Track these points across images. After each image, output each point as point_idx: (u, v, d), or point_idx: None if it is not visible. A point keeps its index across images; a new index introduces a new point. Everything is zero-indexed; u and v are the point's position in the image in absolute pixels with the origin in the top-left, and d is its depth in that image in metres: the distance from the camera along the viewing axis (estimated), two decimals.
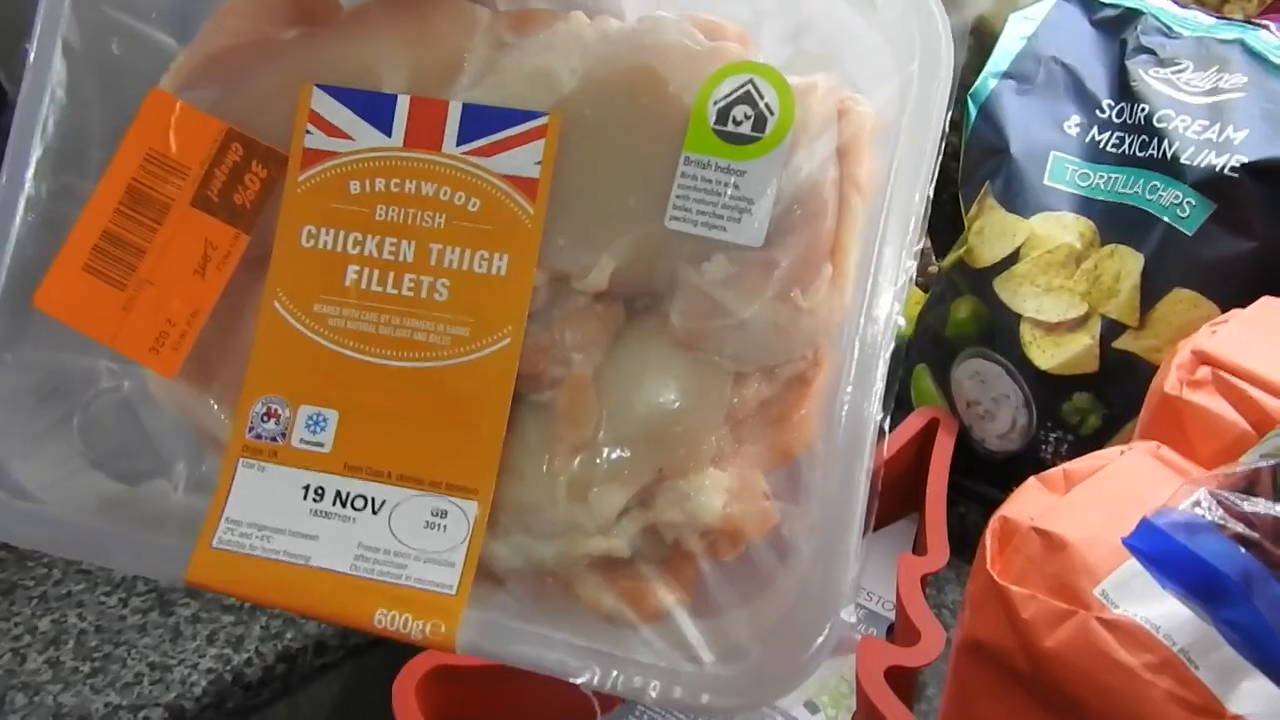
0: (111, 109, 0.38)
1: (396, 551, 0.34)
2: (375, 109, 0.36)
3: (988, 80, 0.58)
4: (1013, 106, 0.57)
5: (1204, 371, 0.43)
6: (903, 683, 0.48)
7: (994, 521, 0.37)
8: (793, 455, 0.35)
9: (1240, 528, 0.29)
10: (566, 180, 0.34)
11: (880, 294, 0.32)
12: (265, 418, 0.35)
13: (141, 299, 0.36)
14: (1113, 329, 0.54)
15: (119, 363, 0.41)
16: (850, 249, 0.33)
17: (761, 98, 0.33)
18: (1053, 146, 0.56)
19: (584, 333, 0.35)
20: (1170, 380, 0.43)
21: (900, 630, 0.53)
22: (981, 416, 0.58)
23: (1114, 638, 0.33)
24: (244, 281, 0.37)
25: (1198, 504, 0.30)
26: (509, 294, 0.34)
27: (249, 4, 0.39)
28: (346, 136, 0.36)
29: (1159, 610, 0.33)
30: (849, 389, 0.32)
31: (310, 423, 0.35)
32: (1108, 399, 0.55)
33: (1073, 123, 0.56)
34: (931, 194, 0.33)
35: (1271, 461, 0.31)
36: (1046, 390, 0.56)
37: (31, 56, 0.37)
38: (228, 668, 0.45)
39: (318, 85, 0.36)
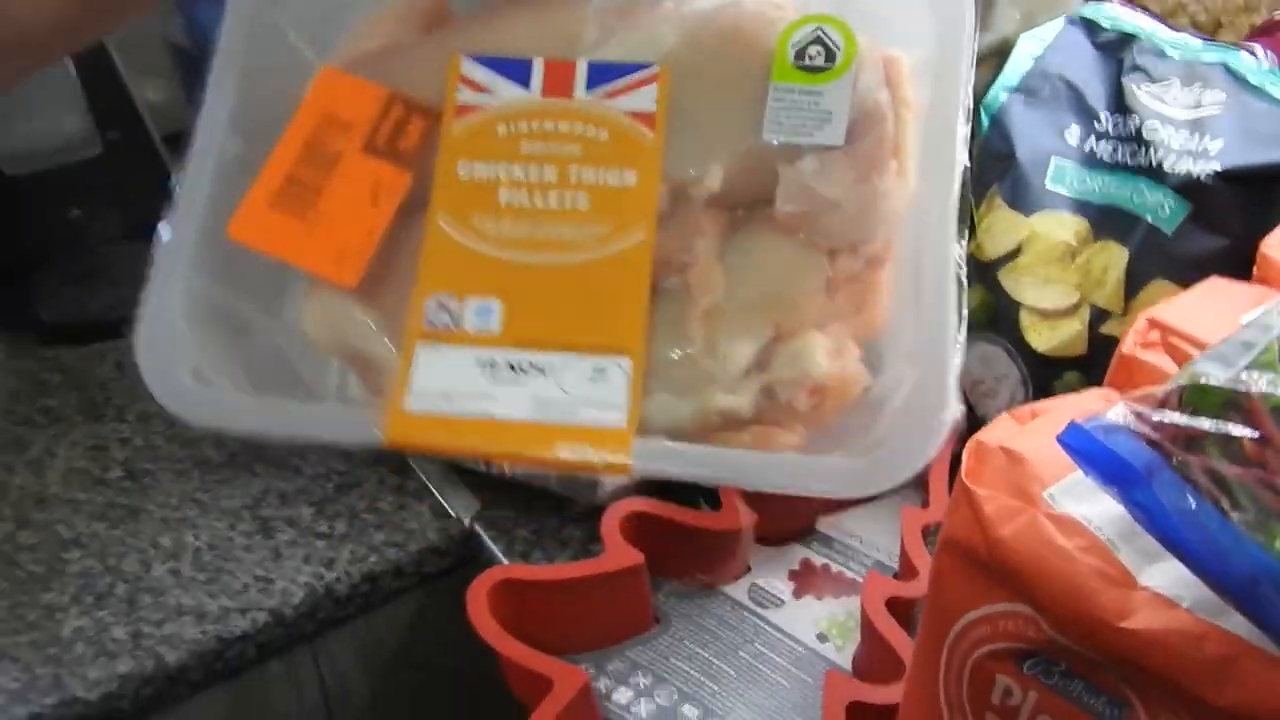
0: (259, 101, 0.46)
1: (568, 401, 0.40)
2: (515, 69, 0.44)
3: (999, 93, 0.66)
4: (1020, 117, 0.65)
5: (1155, 334, 0.51)
6: (902, 612, 0.55)
7: (970, 443, 0.44)
8: (874, 329, 0.44)
9: (1146, 430, 0.36)
10: (679, 112, 0.43)
11: (939, 177, 0.41)
12: (438, 310, 0.42)
13: (321, 227, 0.43)
14: (1100, 315, 0.62)
15: (272, 316, 0.47)
16: (908, 149, 0.43)
17: (829, 38, 0.43)
18: (1054, 153, 0.64)
19: (703, 226, 0.43)
20: (1128, 343, 0.51)
21: (902, 570, 0.60)
22: (985, 394, 0.66)
23: (1055, 527, 0.40)
24: (408, 216, 0.44)
25: (1117, 414, 0.38)
26: (639, 200, 0.42)
27: (382, 16, 0.48)
28: (491, 92, 0.44)
29: (1092, 509, 0.40)
30: (927, 245, 0.41)
31: (478, 312, 0.42)
32: (1094, 377, 0.62)
33: (1073, 133, 0.64)
34: (969, 115, 0.42)
35: (1179, 385, 0.37)
36: (1042, 369, 0.64)
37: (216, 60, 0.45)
38: (320, 583, 0.53)
39: (465, 55, 0.45)
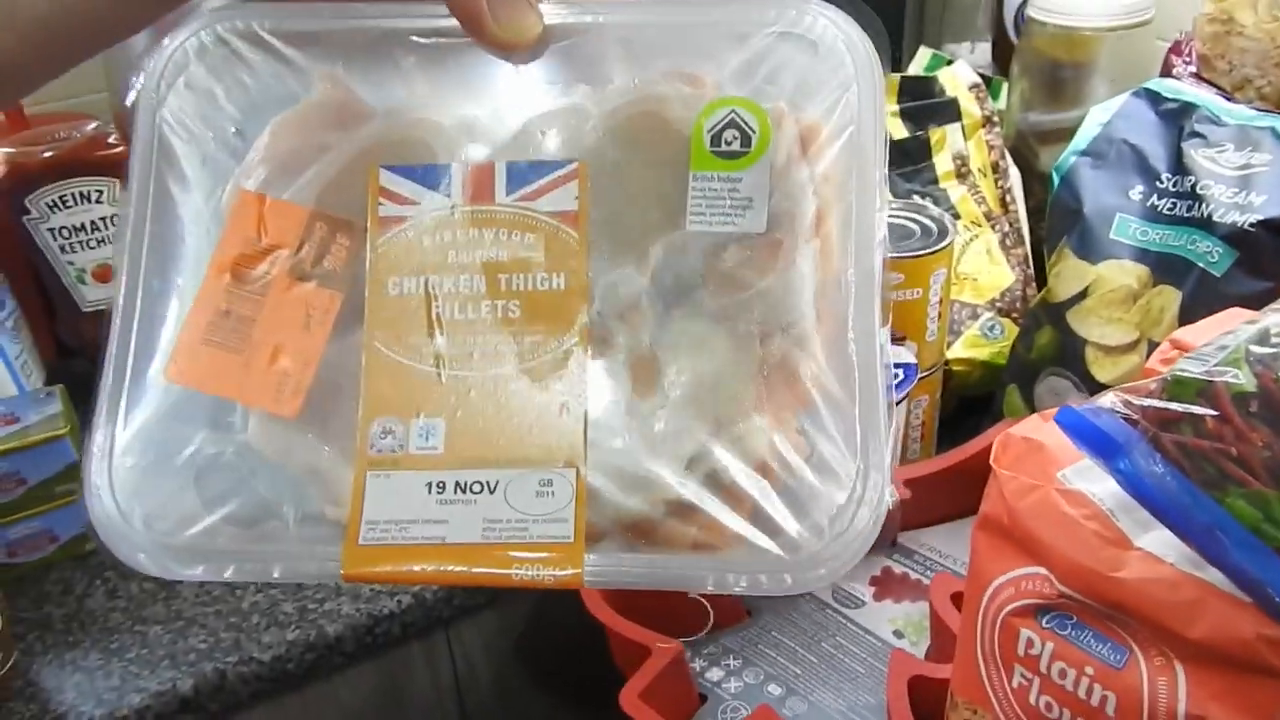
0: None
1: (517, 519, 0.41)
2: (434, 178, 0.45)
3: (1069, 157, 0.75)
4: (1088, 178, 0.73)
5: (1174, 352, 0.57)
6: None
7: (1001, 436, 0.51)
8: (805, 401, 0.45)
9: (1129, 412, 0.44)
10: (600, 208, 0.44)
11: (861, 253, 0.42)
12: (383, 435, 0.42)
13: (258, 359, 0.43)
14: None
15: (218, 431, 0.47)
16: (830, 224, 0.43)
17: (744, 121, 0.43)
18: (1119, 209, 0.72)
19: (635, 323, 0.43)
20: (1152, 359, 0.57)
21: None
22: None
23: (1064, 500, 0.48)
24: (343, 335, 0.44)
25: (1106, 400, 0.45)
26: (570, 303, 0.43)
27: (299, 117, 0.47)
28: (413, 202, 0.44)
29: (1097, 486, 0.48)
30: (852, 322, 0.42)
31: (421, 433, 0.42)
32: None
33: (1136, 191, 0.72)
34: (885, 177, 0.43)
35: (1162, 379, 0.45)
36: None
37: (134, 180, 0.44)
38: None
39: (383, 166, 0.45)
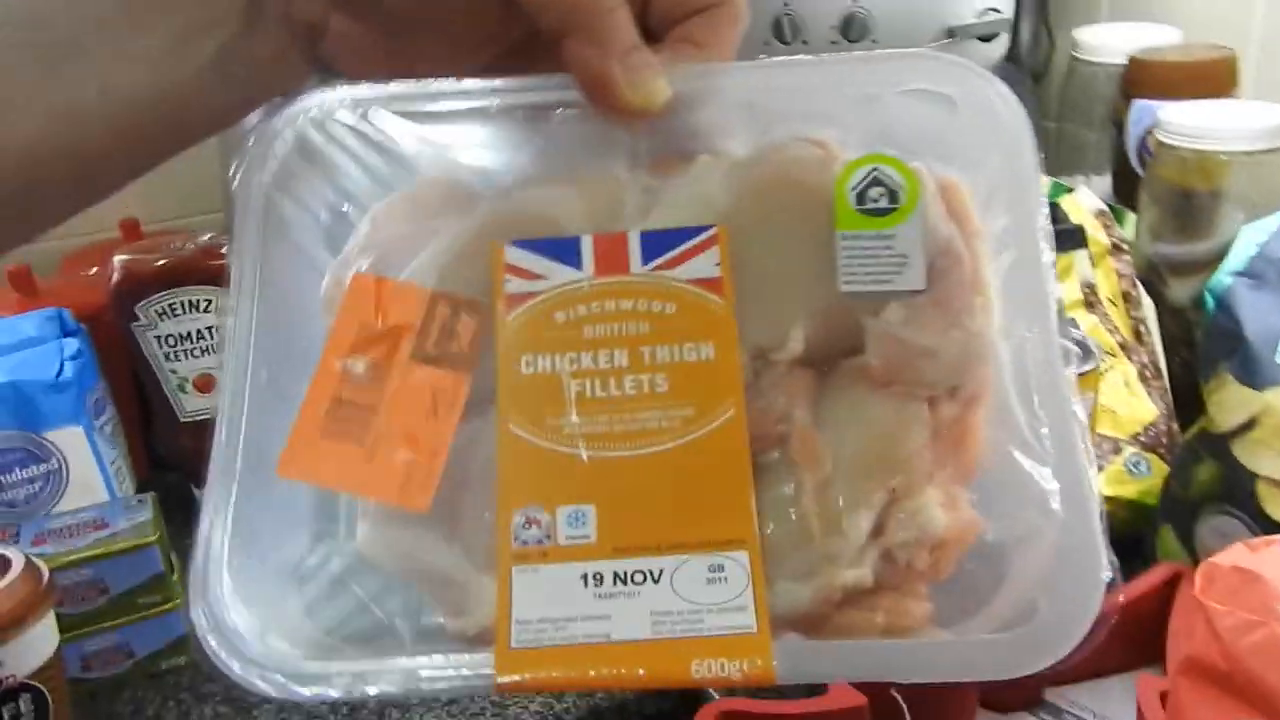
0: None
1: (689, 610, 0.37)
2: (563, 250, 0.42)
3: (1224, 279, 0.70)
4: (1246, 299, 0.67)
5: None
6: None
7: (1203, 566, 0.46)
8: (974, 470, 0.41)
9: None
10: (745, 274, 0.41)
11: (1036, 309, 0.40)
12: (526, 525, 0.38)
13: (381, 450, 0.40)
14: None
15: (321, 541, 0.43)
16: (987, 282, 0.41)
17: (888, 178, 0.41)
18: None
19: (794, 393, 0.40)
20: None
21: None
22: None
23: None
24: (471, 422, 0.41)
25: None
26: (722, 373, 0.40)
27: (403, 202, 0.45)
28: (542, 277, 0.42)
29: None
30: (1034, 381, 0.39)
31: (571, 520, 0.38)
32: None
33: None
34: (1049, 231, 0.41)
35: None
36: None
37: (241, 260, 0.41)
38: (550, 712, 0.53)
39: (509, 242, 0.42)
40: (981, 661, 0.36)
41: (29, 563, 0.58)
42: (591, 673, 0.36)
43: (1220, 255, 0.74)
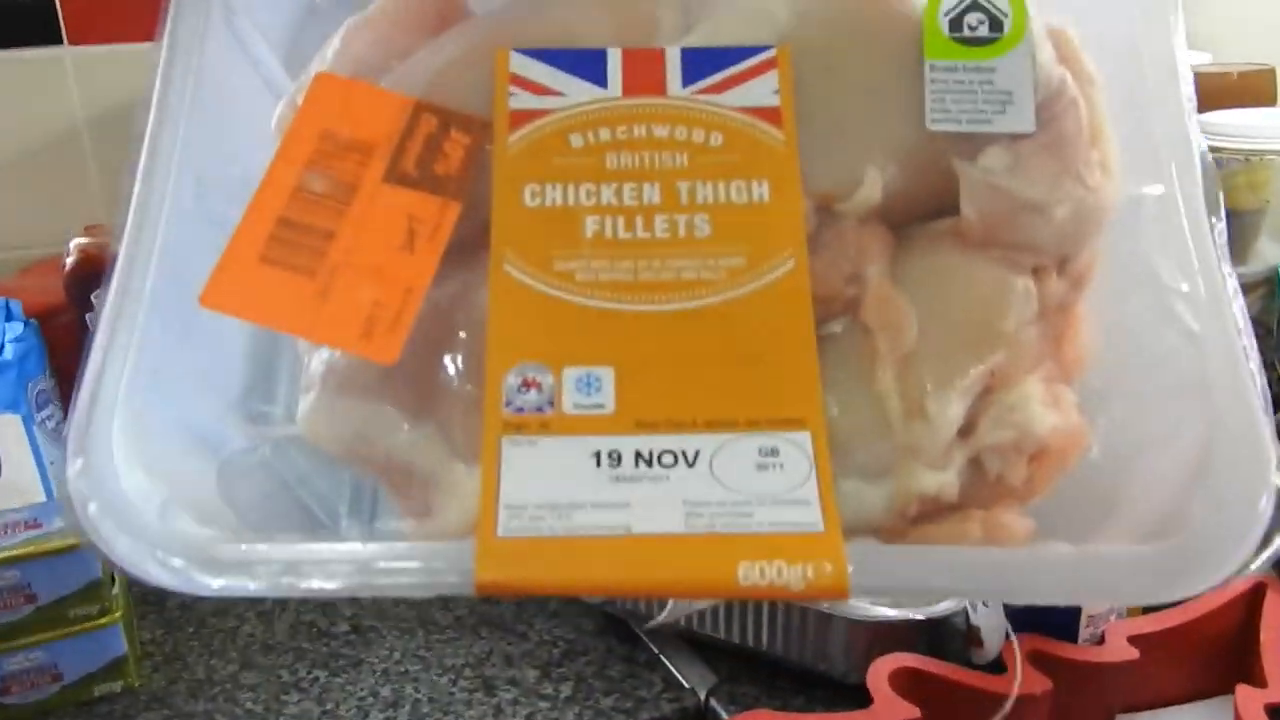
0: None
1: (734, 501, 0.28)
2: (584, 63, 0.34)
3: None
4: None
5: None
6: None
7: None
8: (1079, 370, 0.34)
9: None
10: (810, 105, 0.33)
11: (1180, 167, 0.32)
12: (523, 388, 0.30)
13: (339, 286, 0.31)
14: None
15: (250, 423, 0.34)
16: (1107, 135, 0.33)
17: (991, 4, 0.34)
18: None
19: (865, 248, 0.32)
20: None
21: None
22: None
23: None
24: (458, 264, 0.32)
25: None
26: (780, 217, 0.32)
27: (379, 16, 0.37)
28: (557, 93, 0.33)
29: None
30: (1164, 256, 0.31)
31: (581, 385, 0.30)
32: None
33: None
34: (1191, 79, 0.33)
35: None
36: None
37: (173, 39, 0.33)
38: None
39: (517, 50, 0.34)
40: (1114, 581, 0.27)
41: None
42: (606, 573, 0.27)
43: (1265, 278, 0.71)
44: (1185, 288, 0.30)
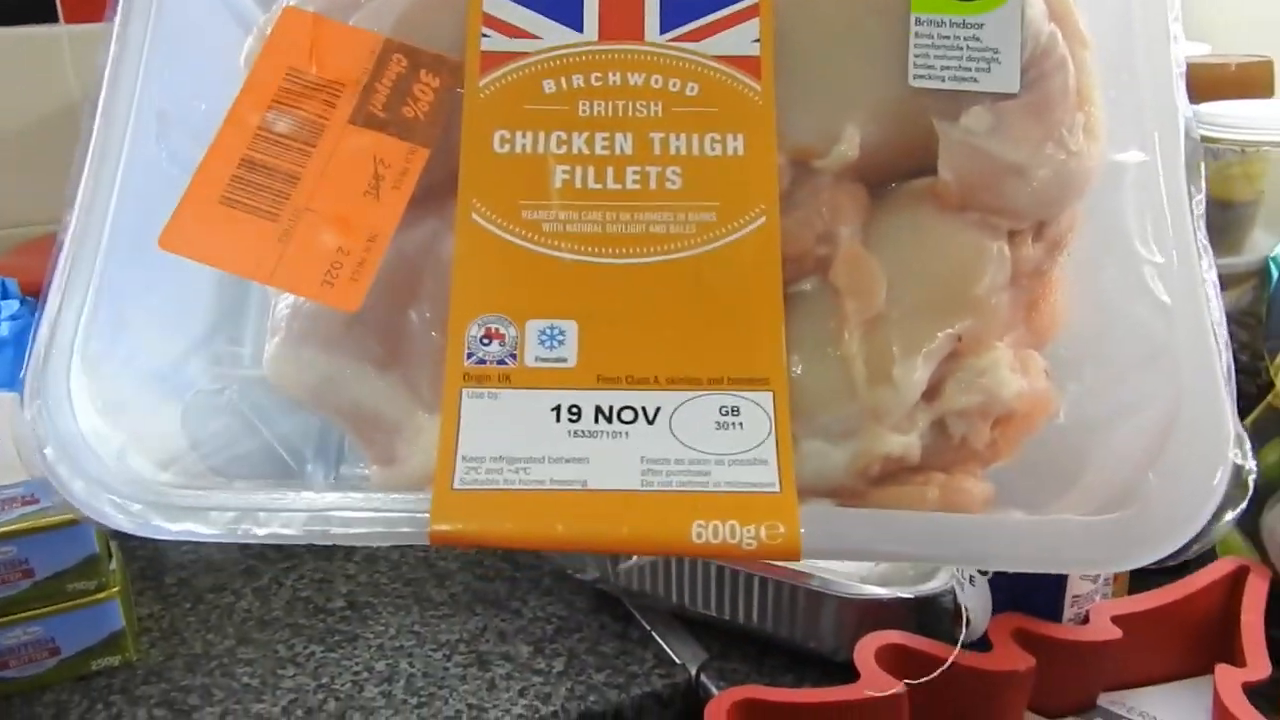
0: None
1: (691, 460, 0.28)
2: (560, 6, 0.33)
3: None
4: None
5: None
6: None
7: None
8: (1050, 336, 0.34)
9: None
10: (791, 56, 0.33)
11: (1163, 132, 0.32)
12: (485, 339, 0.30)
13: (300, 230, 0.31)
14: None
15: (218, 364, 0.34)
16: (1095, 98, 0.33)
17: None
18: None
19: (839, 207, 0.32)
20: None
21: None
22: None
23: None
24: (424, 210, 0.32)
25: None
26: (754, 172, 0.31)
27: None
28: (531, 36, 0.33)
29: None
30: (1142, 225, 0.31)
31: (544, 338, 0.30)
32: None
33: None
34: (1182, 45, 0.33)
35: None
36: None
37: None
38: (535, 716, 0.51)
39: None
40: (1067, 548, 0.28)
41: None
42: (559, 527, 0.27)
43: (1256, 269, 0.71)
44: (1159, 259, 0.30)
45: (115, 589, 0.56)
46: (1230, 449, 0.27)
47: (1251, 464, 0.27)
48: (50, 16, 0.81)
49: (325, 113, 0.32)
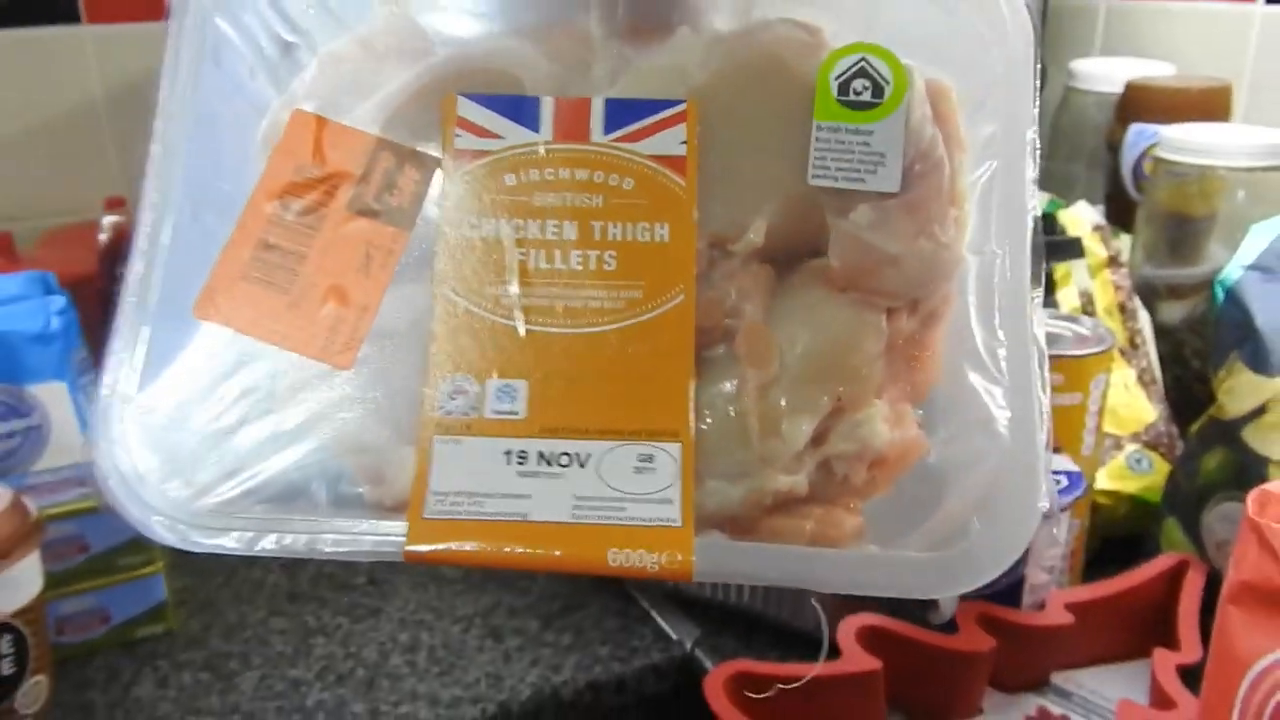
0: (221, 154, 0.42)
1: (613, 498, 0.36)
2: (521, 110, 0.41)
3: (1235, 270, 0.72)
4: (1257, 291, 0.70)
5: None
6: None
7: (1255, 493, 0.45)
8: (927, 390, 0.41)
9: None
10: (711, 156, 0.40)
11: (1012, 225, 0.39)
12: (453, 395, 0.38)
13: (307, 301, 0.39)
14: None
15: (244, 396, 0.42)
16: (965, 194, 0.40)
17: (875, 70, 0.40)
18: None
19: (747, 287, 0.40)
20: None
21: (1156, 704, 0.59)
22: (1230, 555, 0.65)
23: None
24: (405, 282, 0.40)
25: None
26: (675, 257, 0.39)
27: (354, 45, 0.43)
28: (496, 136, 0.40)
29: None
30: (999, 301, 0.39)
31: (500, 394, 0.38)
32: None
33: None
34: (1035, 144, 0.40)
35: None
36: None
37: (173, 80, 0.40)
38: (548, 684, 0.58)
39: (462, 94, 0.41)
40: (906, 579, 0.36)
41: (15, 499, 0.56)
42: (505, 549, 0.36)
43: (1211, 280, 0.76)
44: (1001, 343, 0.38)
45: (160, 564, 0.64)
46: (1041, 505, 0.35)
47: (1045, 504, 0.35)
48: (73, 17, 0.88)
49: (326, 201, 0.40)
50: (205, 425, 0.39)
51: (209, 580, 0.69)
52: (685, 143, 0.40)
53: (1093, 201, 0.94)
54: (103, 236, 0.83)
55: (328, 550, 0.36)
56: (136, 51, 0.89)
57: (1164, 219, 0.84)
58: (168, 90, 0.40)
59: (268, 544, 0.36)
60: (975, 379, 0.38)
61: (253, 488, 0.39)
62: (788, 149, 0.40)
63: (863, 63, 0.40)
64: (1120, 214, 0.94)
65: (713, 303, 0.39)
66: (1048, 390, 0.37)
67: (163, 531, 0.36)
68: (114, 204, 0.97)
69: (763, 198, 0.40)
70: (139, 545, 0.63)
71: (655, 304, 0.39)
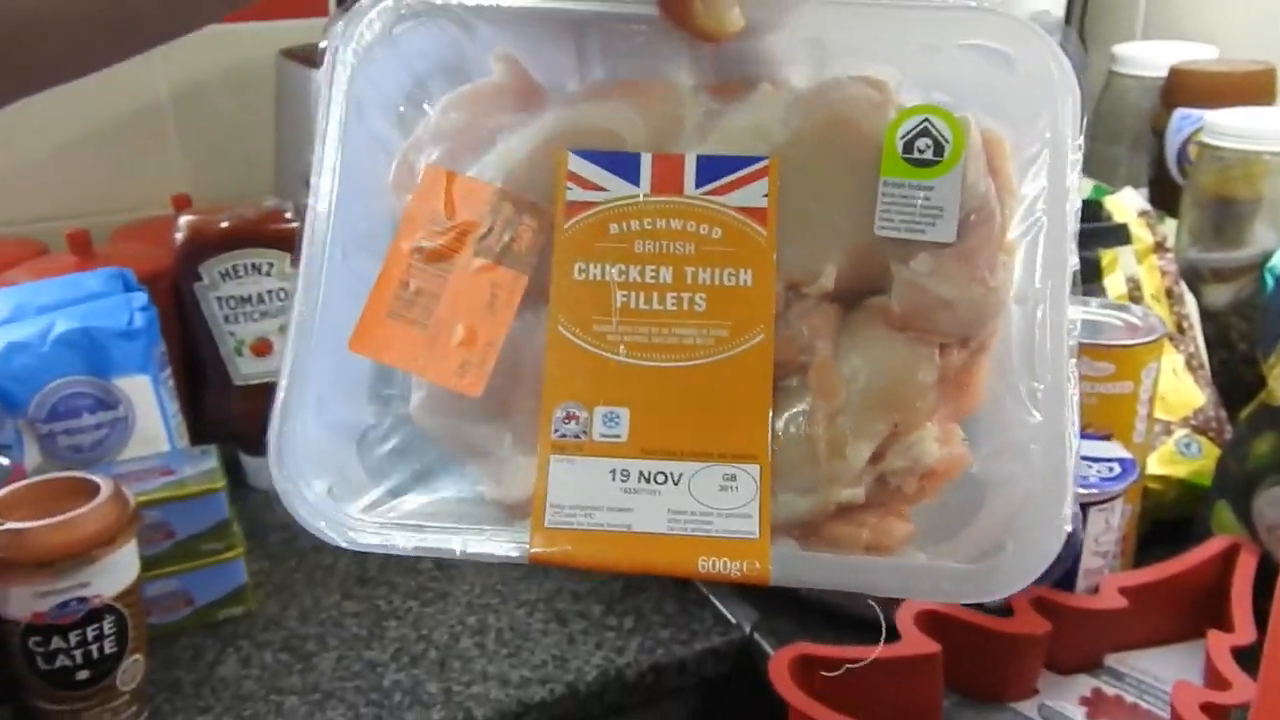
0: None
1: (701, 512, 0.44)
2: (624, 166, 0.47)
3: None
4: None
5: None
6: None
7: None
8: (972, 410, 0.48)
9: None
10: (789, 208, 0.46)
11: (1053, 273, 0.45)
12: (566, 420, 0.45)
13: (442, 336, 0.46)
14: None
15: (377, 404, 0.50)
16: (1014, 242, 0.46)
17: (937, 130, 0.46)
18: None
19: (819, 326, 0.46)
20: None
21: (1211, 684, 0.62)
22: None
23: None
24: (524, 319, 0.47)
25: None
26: (757, 299, 0.46)
27: (473, 95, 0.50)
28: (601, 189, 0.47)
29: None
30: (1039, 342, 0.45)
31: (606, 420, 0.45)
32: None
33: None
34: (1079, 206, 0.46)
35: None
36: None
37: (327, 138, 0.47)
38: (612, 666, 0.62)
39: (573, 151, 0.47)
40: (949, 586, 0.43)
41: (117, 488, 0.62)
42: (611, 558, 0.43)
43: (1258, 262, 0.78)
44: (1038, 380, 0.44)
45: (240, 550, 0.70)
46: (1065, 527, 0.42)
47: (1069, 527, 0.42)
48: None
49: (457, 246, 0.47)
50: (358, 442, 0.47)
51: (280, 564, 0.72)
52: (767, 195, 0.46)
53: (1136, 185, 0.97)
54: (179, 235, 0.89)
55: (459, 551, 0.44)
56: (200, 51, 0.94)
57: (1209, 203, 0.87)
58: (320, 148, 0.47)
59: (411, 545, 0.44)
60: (1013, 410, 0.45)
61: (393, 487, 0.47)
62: (856, 201, 0.46)
63: (926, 123, 0.46)
64: (1165, 198, 0.96)
65: (789, 340, 0.46)
66: (1078, 423, 0.44)
67: (330, 533, 0.44)
68: (181, 202, 1.04)
69: (833, 245, 0.46)
70: (221, 531, 0.69)
71: (739, 341, 0.45)
